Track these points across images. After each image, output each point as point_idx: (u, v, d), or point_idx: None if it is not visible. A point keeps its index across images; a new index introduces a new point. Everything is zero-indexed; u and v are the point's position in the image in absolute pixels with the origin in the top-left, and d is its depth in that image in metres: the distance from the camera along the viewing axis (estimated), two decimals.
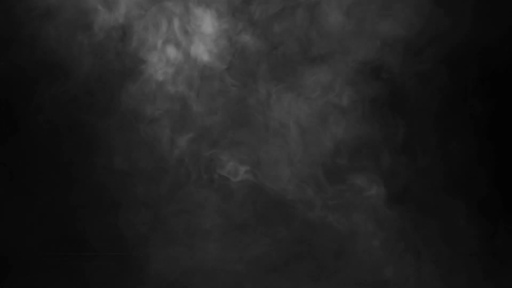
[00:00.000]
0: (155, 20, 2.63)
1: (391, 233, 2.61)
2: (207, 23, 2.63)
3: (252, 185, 2.61)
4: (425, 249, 2.61)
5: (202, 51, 2.63)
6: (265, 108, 2.63)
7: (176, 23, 2.64)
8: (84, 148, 2.62)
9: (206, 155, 2.62)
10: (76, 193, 2.61)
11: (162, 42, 2.63)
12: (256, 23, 2.62)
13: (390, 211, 2.61)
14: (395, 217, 2.62)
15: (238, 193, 2.61)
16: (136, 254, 2.60)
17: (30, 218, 2.59)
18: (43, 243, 2.58)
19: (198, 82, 2.63)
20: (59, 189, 2.61)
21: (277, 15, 2.62)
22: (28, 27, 2.62)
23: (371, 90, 2.63)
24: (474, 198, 2.63)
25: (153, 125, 2.61)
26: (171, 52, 2.64)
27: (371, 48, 2.62)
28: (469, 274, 2.61)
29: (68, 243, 2.59)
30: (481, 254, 2.62)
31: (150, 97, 2.62)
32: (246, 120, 2.63)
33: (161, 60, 2.63)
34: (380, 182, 2.61)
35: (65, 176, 2.61)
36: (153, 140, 2.62)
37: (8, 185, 2.60)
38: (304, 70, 2.63)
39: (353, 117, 2.63)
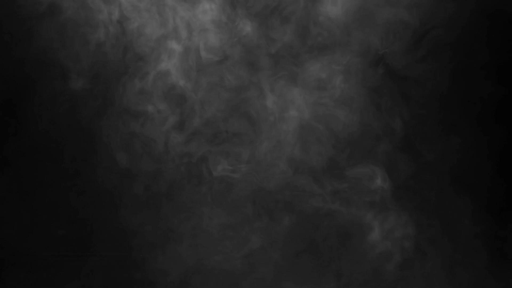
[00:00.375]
0: (154, 14, 2.63)
1: (393, 230, 2.59)
2: (207, 15, 2.63)
3: (252, 181, 2.60)
4: (429, 246, 2.59)
5: (201, 44, 2.62)
6: (265, 101, 2.62)
7: (175, 16, 2.64)
8: (84, 147, 2.62)
9: (206, 151, 2.61)
10: (77, 192, 2.60)
11: (162, 36, 2.63)
12: (256, 14, 2.62)
13: (392, 207, 2.60)
14: (397, 213, 2.60)
15: (238, 189, 2.60)
16: (136, 253, 2.59)
17: (30, 218, 2.59)
18: (43, 243, 2.58)
19: (198, 77, 2.62)
20: (60, 189, 2.60)
21: (277, 6, 2.61)
22: (28, 25, 2.63)
23: (372, 81, 2.61)
24: (480, 193, 2.61)
25: (153, 122, 2.61)
26: (171, 46, 2.63)
27: (373, 36, 2.61)
28: (473, 271, 2.58)
29: (69, 243, 2.58)
30: (486, 251, 2.59)
31: (150, 93, 2.62)
32: (246, 114, 2.62)
33: (161, 55, 2.63)
34: (382, 176, 2.59)
35: (66, 176, 2.61)
36: (153, 138, 2.61)
37: (9, 185, 2.60)
38: (304, 61, 2.62)
39: (353, 109, 2.61)
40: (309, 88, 2.62)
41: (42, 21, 2.63)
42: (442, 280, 2.58)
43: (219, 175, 2.60)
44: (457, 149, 2.62)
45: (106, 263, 2.58)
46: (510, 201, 2.61)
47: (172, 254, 2.60)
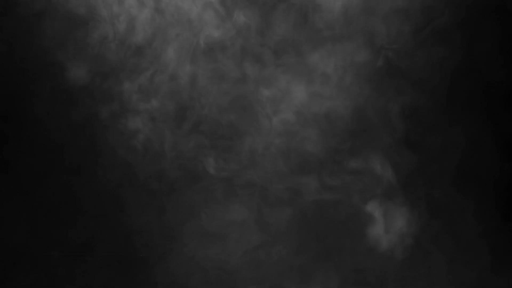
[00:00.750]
0: (151, 8, 2.62)
1: (395, 228, 2.58)
2: (205, 7, 2.61)
3: (253, 179, 2.59)
4: (431, 244, 2.58)
5: (200, 37, 2.60)
6: (264, 94, 2.60)
7: (173, 8, 2.62)
8: (84, 146, 2.62)
9: (207, 149, 2.60)
10: (77, 192, 2.60)
11: (160, 30, 2.62)
12: (255, 4, 2.60)
13: (394, 203, 2.58)
14: (398, 210, 2.58)
15: (239, 186, 2.59)
16: (137, 253, 2.58)
17: (31, 218, 2.59)
18: (43, 243, 2.58)
19: (197, 71, 2.61)
20: (60, 189, 2.60)
21: None
22: (26, 23, 2.62)
23: (374, 72, 2.59)
24: (484, 190, 2.59)
25: (154, 119, 2.60)
26: (169, 40, 2.62)
27: (374, 27, 2.58)
28: (476, 270, 2.57)
29: (69, 243, 2.58)
30: (490, 250, 2.58)
31: (149, 89, 2.61)
32: (246, 108, 2.60)
33: (159, 50, 2.61)
34: (383, 170, 2.57)
35: (66, 176, 2.61)
36: (154, 136, 2.60)
37: (9, 185, 2.60)
38: (303, 52, 2.60)
39: (354, 100, 2.59)
40: (309, 79, 2.60)
41: (40, 18, 2.62)
42: (444, 278, 2.57)
43: (219, 173, 2.59)
44: (461, 144, 2.60)
45: (107, 263, 2.58)
46: None
47: (174, 253, 2.59)
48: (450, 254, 2.58)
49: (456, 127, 2.60)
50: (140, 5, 2.62)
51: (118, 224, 2.59)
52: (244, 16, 2.61)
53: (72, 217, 2.59)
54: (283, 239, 2.59)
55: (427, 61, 2.60)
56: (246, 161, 2.59)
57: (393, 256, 2.57)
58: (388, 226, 2.57)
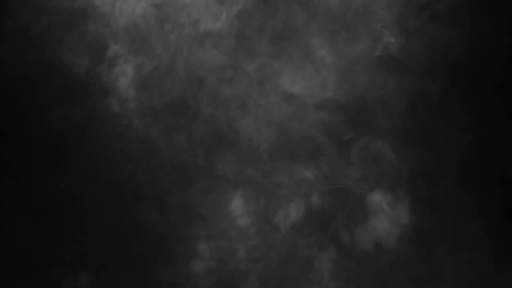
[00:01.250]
0: (150, 2, 2.62)
1: (397, 227, 2.57)
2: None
3: (253, 174, 2.58)
4: (435, 243, 2.56)
5: (200, 28, 2.60)
6: (264, 83, 2.59)
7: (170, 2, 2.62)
8: (85, 146, 2.62)
9: (208, 149, 2.60)
10: (79, 192, 2.60)
11: (157, 25, 2.61)
12: None
13: (397, 201, 2.57)
14: (402, 208, 2.57)
15: (239, 185, 2.58)
16: (138, 253, 2.58)
17: (31, 219, 2.59)
18: (44, 243, 2.58)
19: (197, 67, 2.60)
20: (61, 190, 2.60)
21: None
22: (23, 21, 2.63)
23: (377, 58, 2.57)
24: (489, 188, 2.58)
25: (153, 118, 2.60)
26: (166, 35, 2.61)
27: (378, 11, 2.57)
28: (480, 269, 2.55)
29: (70, 243, 2.58)
30: (495, 248, 2.56)
31: (149, 87, 2.61)
32: (246, 103, 2.59)
33: (157, 45, 2.61)
34: (386, 165, 2.56)
35: (66, 176, 2.61)
36: (154, 135, 2.60)
37: (9, 185, 2.60)
38: (304, 41, 2.59)
39: (356, 92, 2.58)
40: (310, 68, 2.59)
41: (40, 16, 2.62)
42: (447, 276, 2.56)
43: (219, 170, 2.59)
44: (466, 140, 2.58)
45: (108, 263, 2.58)
46: None
47: (174, 253, 2.59)
48: (454, 251, 2.56)
49: (461, 123, 2.59)
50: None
51: (118, 224, 2.59)
52: (242, 5, 2.60)
53: (72, 217, 2.59)
54: (284, 236, 2.58)
55: (430, 49, 2.58)
56: (246, 156, 2.59)
57: (395, 254, 2.55)
58: (390, 226, 2.56)
